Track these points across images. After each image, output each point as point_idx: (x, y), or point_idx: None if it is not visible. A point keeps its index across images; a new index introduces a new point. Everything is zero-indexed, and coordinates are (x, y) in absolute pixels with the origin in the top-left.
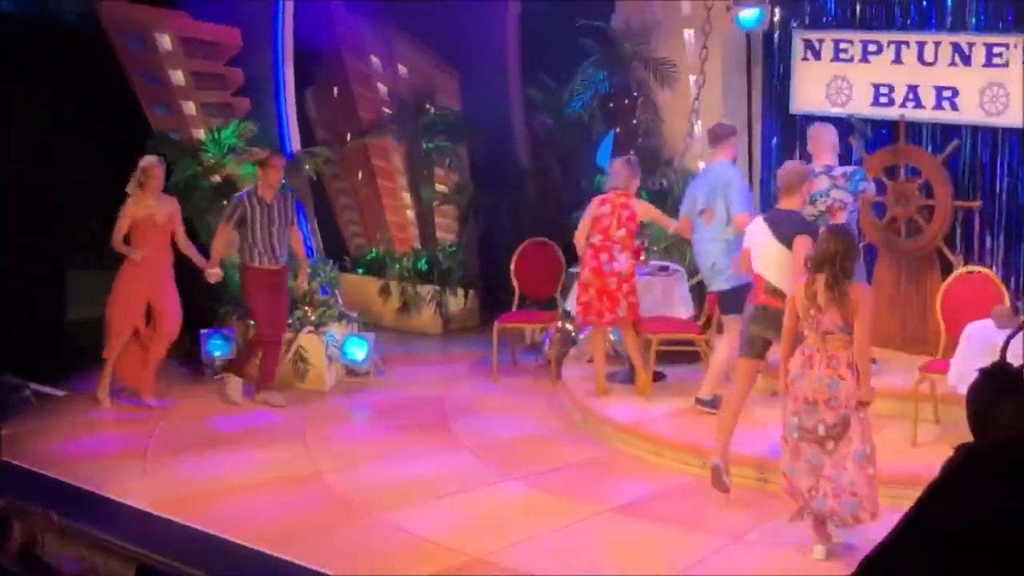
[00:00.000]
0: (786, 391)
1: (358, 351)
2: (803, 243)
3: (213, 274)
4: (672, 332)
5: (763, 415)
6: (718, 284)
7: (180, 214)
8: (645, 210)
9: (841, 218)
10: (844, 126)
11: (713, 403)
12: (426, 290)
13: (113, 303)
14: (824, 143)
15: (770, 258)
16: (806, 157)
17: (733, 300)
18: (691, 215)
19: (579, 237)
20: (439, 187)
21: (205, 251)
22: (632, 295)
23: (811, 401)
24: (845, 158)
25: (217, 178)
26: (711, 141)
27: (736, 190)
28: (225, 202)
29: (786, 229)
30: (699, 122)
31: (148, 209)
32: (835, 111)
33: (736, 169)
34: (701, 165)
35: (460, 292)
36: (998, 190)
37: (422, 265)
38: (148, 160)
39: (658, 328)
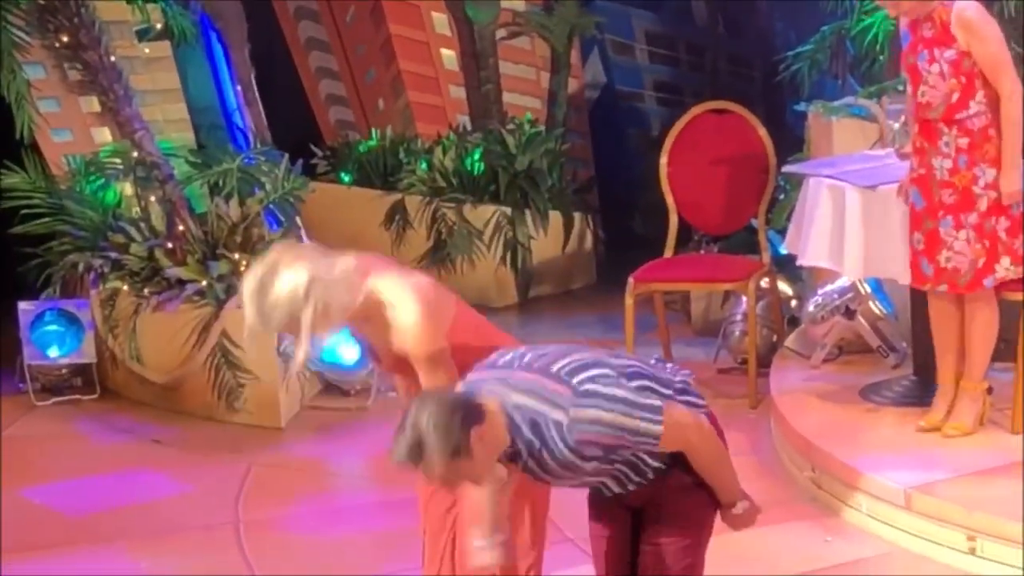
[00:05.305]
0: None
1: (346, 346)
2: None
3: None
4: None
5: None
6: None
7: None
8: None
9: None
10: None
11: None
12: (485, 213)
13: None
14: None
15: None
16: None
17: None
18: None
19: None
20: None
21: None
22: (979, 231)
23: None
24: None
25: None
26: None
27: None
28: None
29: None
30: None
31: None
32: None
33: None
34: None
35: (554, 219)
36: None
37: (474, 164)
38: None
39: None
